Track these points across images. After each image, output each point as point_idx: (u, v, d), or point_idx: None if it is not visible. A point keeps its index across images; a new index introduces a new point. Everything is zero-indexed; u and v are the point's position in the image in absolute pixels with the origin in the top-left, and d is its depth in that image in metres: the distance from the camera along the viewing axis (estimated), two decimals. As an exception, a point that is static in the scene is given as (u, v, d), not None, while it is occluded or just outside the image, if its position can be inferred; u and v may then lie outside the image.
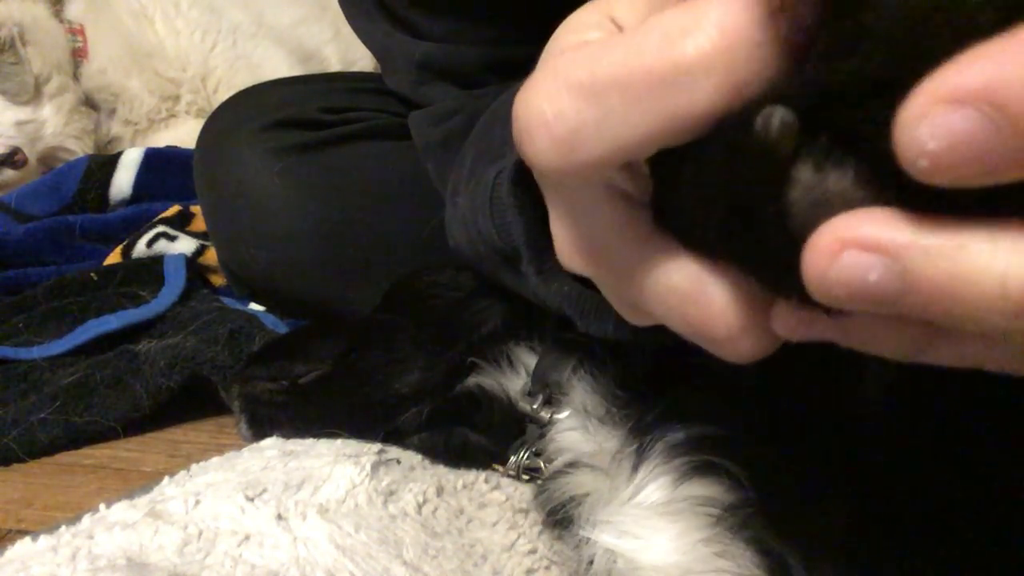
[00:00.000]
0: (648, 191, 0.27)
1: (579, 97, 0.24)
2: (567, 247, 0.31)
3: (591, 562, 0.45)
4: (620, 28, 0.29)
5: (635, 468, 0.43)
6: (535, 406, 0.57)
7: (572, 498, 0.49)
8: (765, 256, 0.23)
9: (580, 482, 0.49)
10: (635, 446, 0.44)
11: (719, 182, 0.23)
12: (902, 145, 0.18)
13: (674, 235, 0.26)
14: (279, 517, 0.54)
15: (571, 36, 0.30)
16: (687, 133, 0.23)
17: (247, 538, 0.52)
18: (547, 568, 0.54)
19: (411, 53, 0.82)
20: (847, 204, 0.20)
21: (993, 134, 0.17)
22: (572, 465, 0.50)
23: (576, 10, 0.32)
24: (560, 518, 0.51)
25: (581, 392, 0.52)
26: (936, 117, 0.18)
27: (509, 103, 0.31)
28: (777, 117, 0.21)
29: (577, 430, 0.51)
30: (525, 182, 0.44)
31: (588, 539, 0.45)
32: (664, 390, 0.45)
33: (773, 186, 0.21)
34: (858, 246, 0.20)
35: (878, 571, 0.34)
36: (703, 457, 0.40)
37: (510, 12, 0.74)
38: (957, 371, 0.23)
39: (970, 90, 0.17)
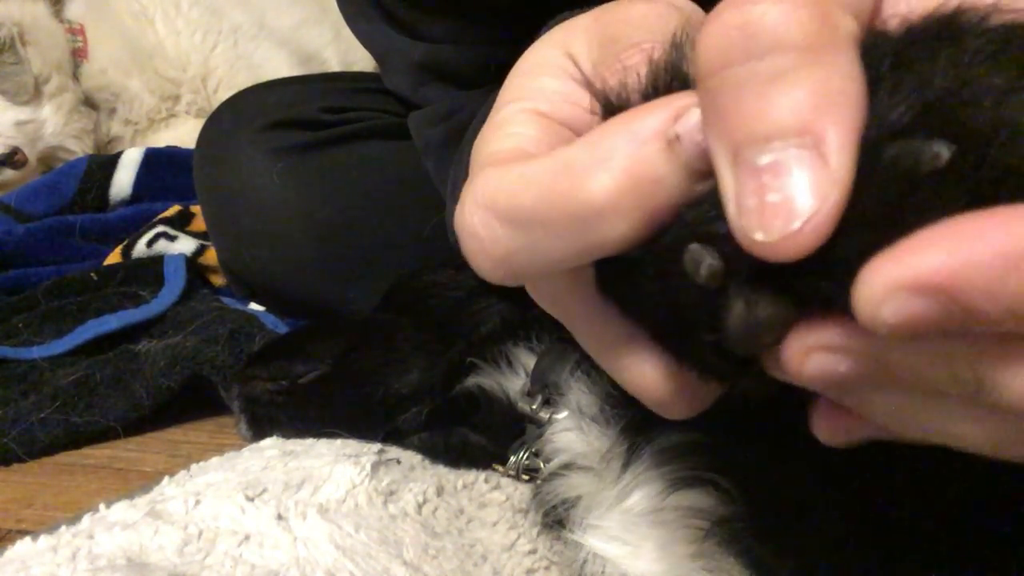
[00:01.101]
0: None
1: (508, 226, 0.25)
2: (534, 293, 0.32)
3: (583, 564, 0.45)
4: (577, 64, 0.30)
5: (623, 469, 0.43)
6: (534, 406, 0.57)
7: (565, 500, 0.49)
8: (695, 349, 0.25)
9: (573, 484, 0.49)
10: (625, 446, 0.44)
11: (652, 294, 0.25)
12: (862, 314, 0.20)
13: (614, 302, 0.28)
14: (279, 517, 0.54)
15: (524, 80, 0.31)
16: (612, 253, 0.24)
17: (247, 538, 0.52)
18: (547, 568, 0.54)
19: (410, 54, 0.82)
20: (778, 326, 0.22)
21: (946, 316, 0.19)
22: (567, 467, 0.50)
23: (533, 45, 0.32)
24: (554, 520, 0.51)
25: (577, 392, 0.52)
26: (897, 301, 0.19)
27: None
28: (705, 265, 0.22)
29: (573, 431, 0.51)
30: None
31: (580, 543, 0.45)
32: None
33: (705, 310, 0.23)
34: (819, 350, 0.22)
35: None
36: (693, 471, 0.40)
37: (507, 13, 0.74)
38: None
39: (930, 282, 0.19)
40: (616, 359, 0.28)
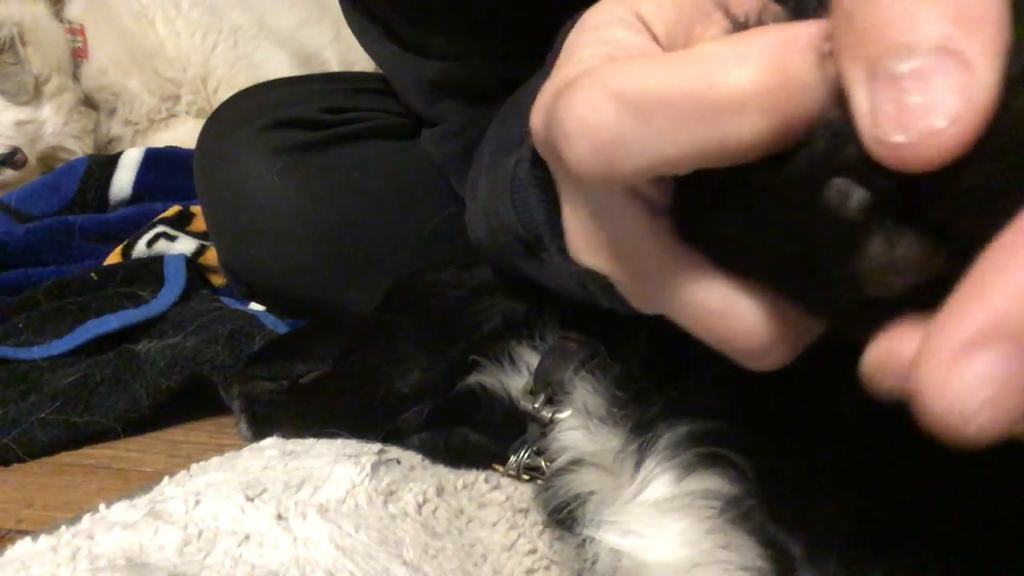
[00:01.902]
0: (669, 199, 0.26)
1: (624, 109, 0.23)
2: (581, 243, 0.30)
3: (595, 561, 0.45)
4: (647, 26, 0.28)
5: (637, 466, 0.43)
6: (536, 405, 0.56)
7: (577, 496, 0.49)
8: (816, 290, 0.24)
9: (585, 480, 0.49)
10: (637, 444, 0.44)
11: (773, 228, 0.23)
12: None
13: (700, 249, 0.26)
14: (279, 517, 0.54)
15: (594, 32, 0.30)
16: (729, 160, 0.23)
17: (247, 538, 0.52)
18: (547, 568, 0.54)
19: (422, 73, 0.82)
20: (914, 269, 0.21)
21: None
22: (576, 463, 0.50)
23: (594, 6, 0.31)
24: (563, 517, 0.51)
25: (582, 392, 0.52)
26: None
27: (524, 97, 0.31)
28: (856, 197, 0.21)
29: (579, 430, 0.51)
30: (545, 163, 0.44)
31: (592, 539, 0.45)
32: (664, 388, 0.45)
33: (839, 248, 0.22)
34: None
35: (880, 561, 0.34)
36: (705, 449, 0.40)
37: (517, 29, 0.74)
38: None
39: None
40: (699, 304, 0.26)
